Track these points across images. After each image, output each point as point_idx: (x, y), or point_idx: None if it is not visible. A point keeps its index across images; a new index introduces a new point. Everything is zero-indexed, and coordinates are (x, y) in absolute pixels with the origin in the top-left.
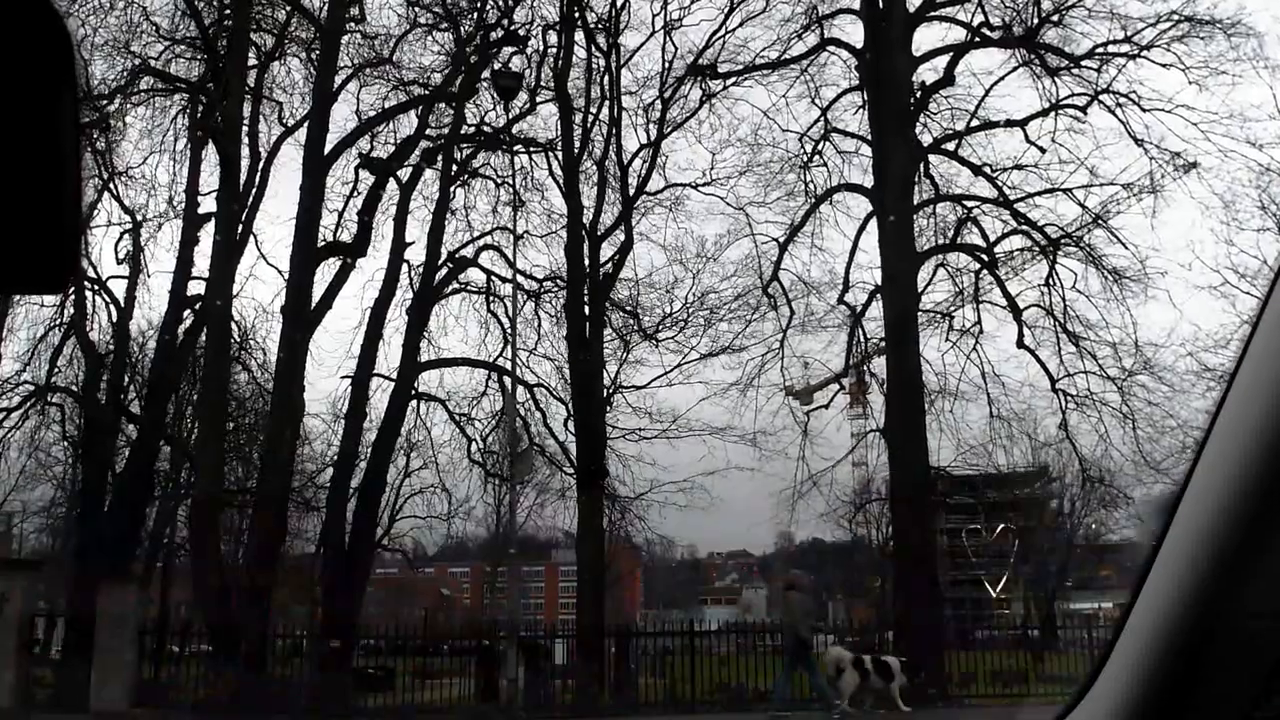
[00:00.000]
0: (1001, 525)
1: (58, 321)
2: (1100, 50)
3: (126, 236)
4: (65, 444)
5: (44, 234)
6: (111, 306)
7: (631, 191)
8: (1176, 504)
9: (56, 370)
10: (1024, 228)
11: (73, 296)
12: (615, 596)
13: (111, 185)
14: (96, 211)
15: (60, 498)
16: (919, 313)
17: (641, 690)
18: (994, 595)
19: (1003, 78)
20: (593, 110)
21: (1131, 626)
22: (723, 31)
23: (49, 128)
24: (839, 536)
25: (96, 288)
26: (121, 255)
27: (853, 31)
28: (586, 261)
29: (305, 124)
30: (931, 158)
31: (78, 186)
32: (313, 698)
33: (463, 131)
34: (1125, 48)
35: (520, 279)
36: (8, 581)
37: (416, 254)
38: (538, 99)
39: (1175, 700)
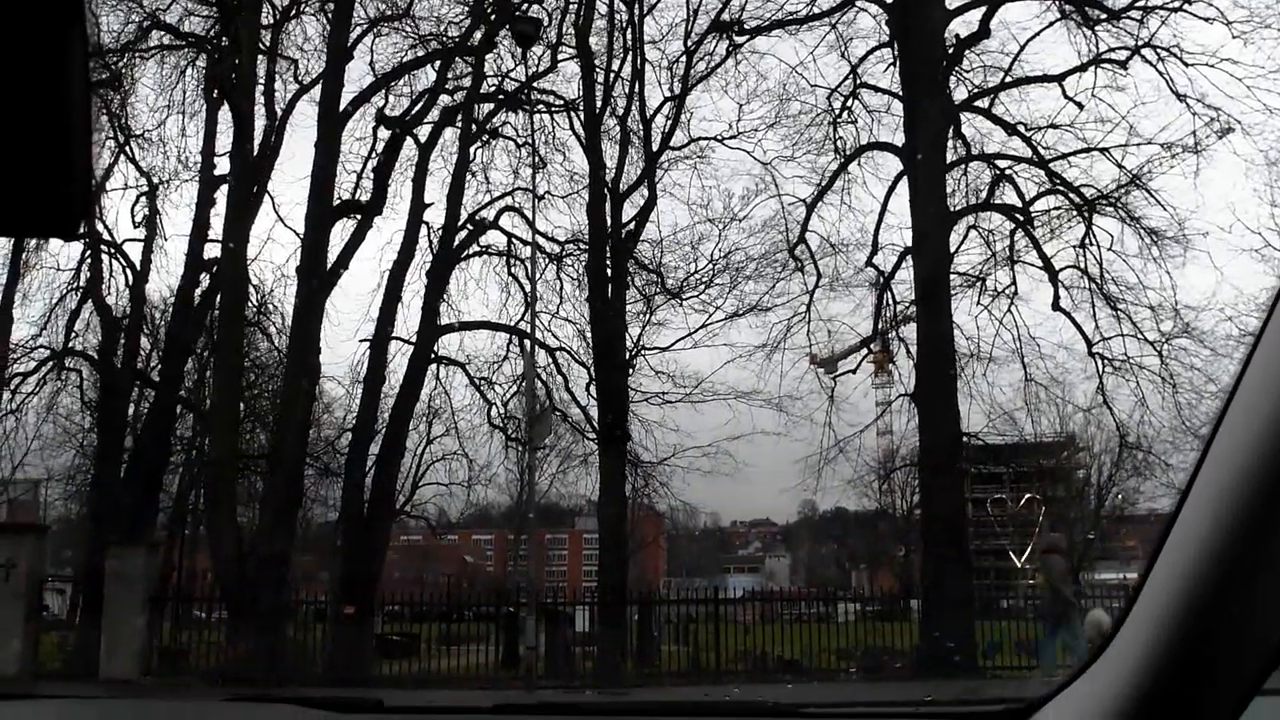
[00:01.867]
0: (1028, 495)
1: (74, 285)
2: (1141, 2)
3: (143, 199)
4: (84, 409)
5: (54, 175)
6: (128, 270)
7: (655, 147)
8: (1201, 460)
9: (74, 335)
10: (1060, 188)
11: (89, 260)
12: (639, 564)
13: (127, 148)
14: (113, 175)
15: (84, 464)
16: (951, 275)
17: (664, 658)
18: (1019, 565)
19: (1039, 32)
20: (614, 67)
21: (1151, 585)
22: None
23: (56, 65)
24: (863, 505)
25: (113, 251)
26: (139, 218)
27: None
28: (609, 221)
29: (321, 82)
30: (964, 115)
31: (86, 127)
32: (329, 664)
33: (482, 90)
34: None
35: (541, 241)
36: (15, 548)
37: (435, 215)
38: (559, 57)
39: (1192, 659)
